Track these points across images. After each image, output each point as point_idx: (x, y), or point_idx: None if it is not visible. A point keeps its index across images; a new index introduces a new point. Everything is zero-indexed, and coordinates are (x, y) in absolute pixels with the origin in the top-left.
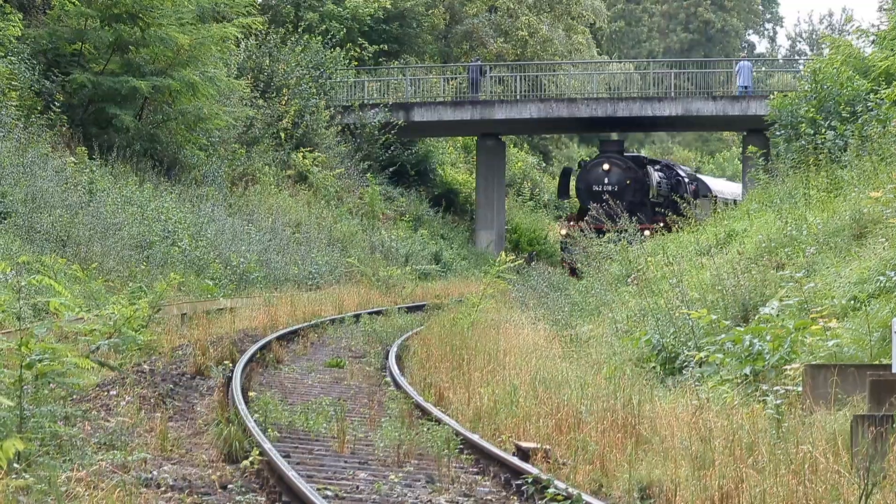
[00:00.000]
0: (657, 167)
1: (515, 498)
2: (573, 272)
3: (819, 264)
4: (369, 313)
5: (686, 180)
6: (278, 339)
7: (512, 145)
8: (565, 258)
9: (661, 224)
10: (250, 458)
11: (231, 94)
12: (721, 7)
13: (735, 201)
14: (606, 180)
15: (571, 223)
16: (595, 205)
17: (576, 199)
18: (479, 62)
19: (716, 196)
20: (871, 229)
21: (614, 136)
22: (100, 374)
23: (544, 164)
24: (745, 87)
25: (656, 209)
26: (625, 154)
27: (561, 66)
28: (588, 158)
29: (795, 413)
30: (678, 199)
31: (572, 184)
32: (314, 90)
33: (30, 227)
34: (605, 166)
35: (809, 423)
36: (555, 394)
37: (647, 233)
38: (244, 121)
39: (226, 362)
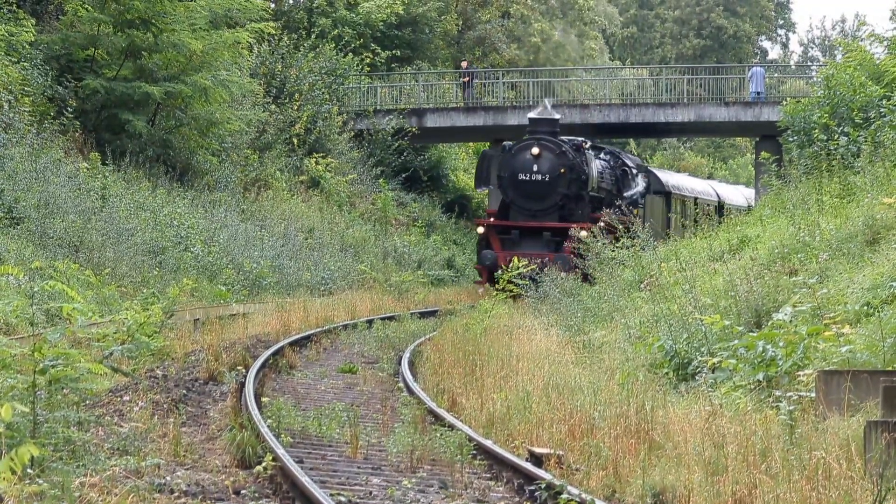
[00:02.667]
0: (600, 154)
1: (529, 503)
2: (491, 278)
3: (832, 270)
4: (382, 319)
5: (634, 171)
6: (291, 344)
7: None
8: (485, 263)
9: (602, 223)
10: (263, 464)
11: (244, 99)
12: (733, 13)
13: (721, 204)
14: (535, 167)
15: (491, 219)
16: (521, 198)
17: (496, 190)
18: (470, 68)
19: (670, 193)
20: (884, 235)
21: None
22: (113, 379)
23: None
24: (758, 93)
25: (595, 205)
26: (559, 136)
27: (573, 72)
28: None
29: (808, 419)
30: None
31: (493, 171)
32: (327, 96)
33: (43, 232)
34: (535, 150)
35: (823, 429)
36: (568, 399)
37: (582, 233)
38: (257, 125)
39: (239, 368)
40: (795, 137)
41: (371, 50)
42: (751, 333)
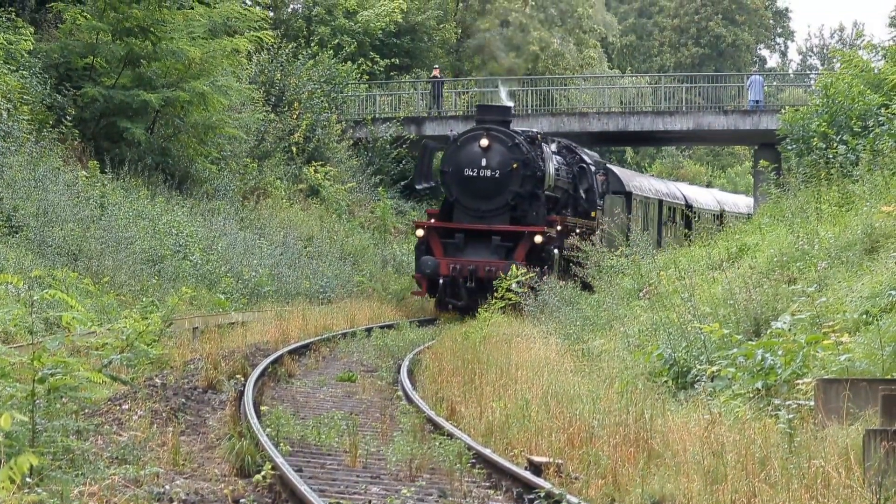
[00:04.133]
0: (555, 148)
1: None
2: (432, 288)
3: (831, 279)
4: (381, 327)
5: (592, 169)
6: (290, 353)
7: None
8: (424, 271)
9: (558, 227)
10: (263, 473)
11: (242, 107)
12: (732, 21)
13: (690, 206)
14: (484, 162)
15: (432, 221)
16: (467, 197)
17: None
18: (440, 78)
19: (631, 193)
20: (882, 244)
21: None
22: (112, 388)
23: None
24: (757, 102)
25: (551, 206)
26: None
27: (572, 81)
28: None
29: (808, 427)
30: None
31: (436, 166)
32: (326, 104)
33: (41, 240)
34: (483, 142)
35: (822, 437)
36: (567, 408)
37: (537, 238)
38: (255, 133)
39: (238, 376)
40: (794, 146)
41: (370, 58)
42: (750, 342)
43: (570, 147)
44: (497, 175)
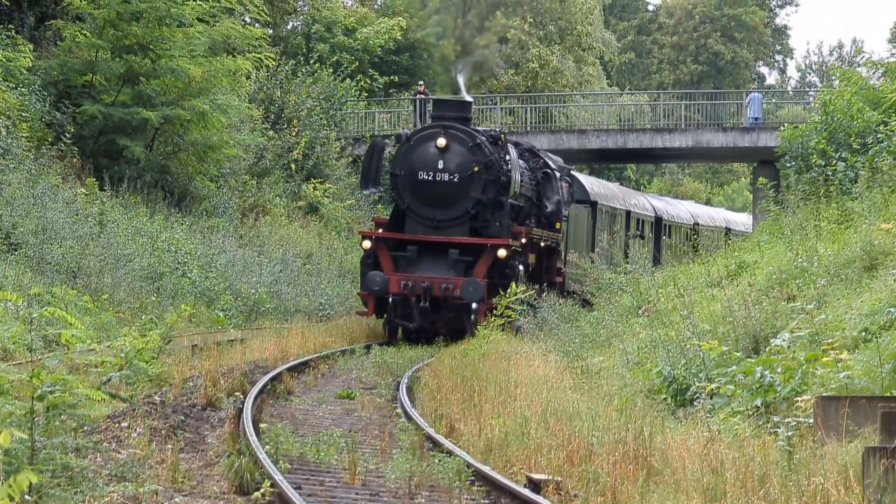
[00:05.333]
0: (518, 150)
1: None
2: (380, 307)
3: (830, 296)
4: (380, 344)
5: (557, 175)
6: (289, 370)
7: None
8: (371, 289)
9: (523, 239)
10: (262, 490)
11: (242, 125)
12: (731, 39)
13: (660, 219)
14: (441, 164)
15: (380, 231)
16: (420, 204)
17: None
18: (423, 95)
19: (596, 203)
20: (881, 261)
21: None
22: (111, 405)
23: None
24: (756, 119)
25: (513, 215)
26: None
27: (571, 98)
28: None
29: (807, 445)
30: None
31: (386, 168)
32: (325, 121)
33: (40, 258)
34: (441, 141)
35: (821, 455)
36: (566, 425)
37: (501, 251)
38: (255, 151)
39: (237, 394)
40: (793, 163)
41: (369, 75)
42: (749, 359)
43: (532, 150)
44: (456, 179)
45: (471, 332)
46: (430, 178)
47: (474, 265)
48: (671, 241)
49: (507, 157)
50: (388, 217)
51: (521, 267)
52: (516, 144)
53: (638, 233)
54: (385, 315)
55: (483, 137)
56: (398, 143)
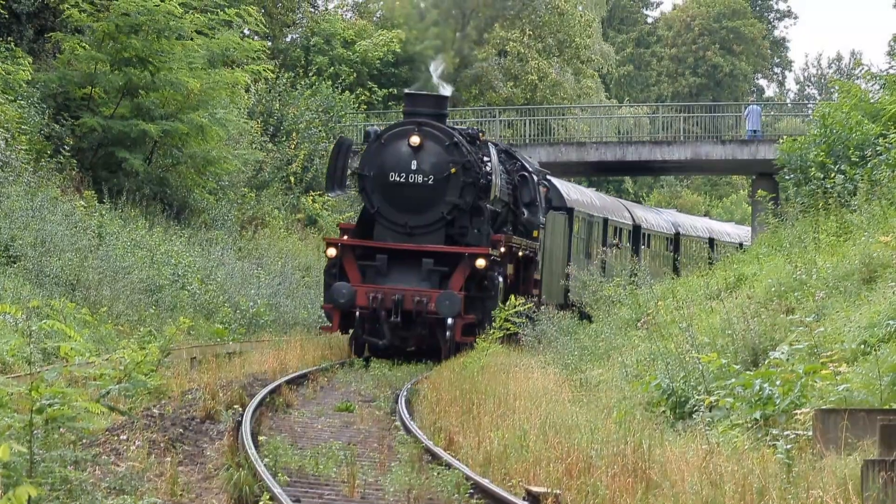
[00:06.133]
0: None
1: None
2: (346, 322)
3: (829, 309)
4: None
5: (535, 178)
6: (288, 383)
7: None
8: (337, 301)
9: (502, 248)
10: (260, 503)
11: (241, 138)
12: (730, 51)
13: (638, 227)
14: (415, 164)
15: (345, 237)
16: (391, 208)
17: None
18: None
19: (573, 210)
20: (880, 274)
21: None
22: (110, 418)
23: None
24: (755, 132)
25: (491, 221)
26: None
27: (570, 110)
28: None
29: (806, 458)
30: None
31: (353, 167)
32: (324, 134)
33: (39, 270)
34: (414, 140)
35: (820, 467)
36: (565, 438)
37: (480, 261)
38: (254, 164)
39: (235, 406)
40: (792, 176)
41: (368, 88)
42: (748, 372)
43: (508, 151)
44: (430, 181)
45: (446, 353)
46: (402, 179)
47: (450, 276)
48: (651, 251)
49: (487, 158)
50: (354, 222)
51: (500, 279)
52: (493, 144)
53: (615, 242)
54: (351, 331)
55: (460, 135)
56: (367, 140)
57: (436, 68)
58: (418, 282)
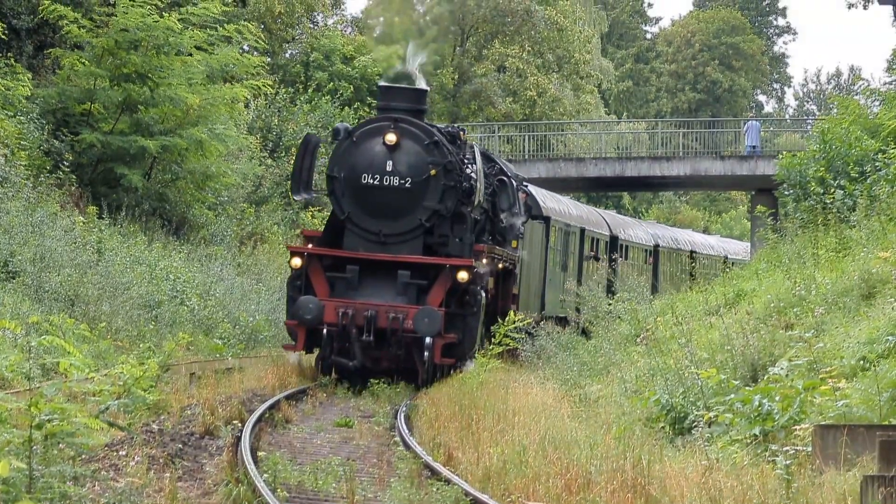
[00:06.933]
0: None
1: None
2: (312, 340)
3: (828, 324)
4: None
5: (514, 184)
6: (287, 398)
7: None
8: (303, 317)
9: (484, 259)
10: None
11: (240, 153)
12: (729, 67)
13: (615, 238)
14: (390, 165)
15: (310, 245)
16: (364, 214)
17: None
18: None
19: (549, 219)
20: (880, 289)
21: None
22: (109, 433)
23: None
24: (754, 147)
25: (476, 230)
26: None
27: (569, 126)
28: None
29: (805, 473)
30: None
31: (321, 168)
32: (323, 149)
33: (38, 286)
34: (390, 137)
35: (819, 483)
36: (564, 454)
37: (462, 274)
38: (253, 180)
39: (235, 422)
40: (791, 191)
41: (367, 103)
42: (747, 387)
43: (486, 154)
44: (408, 184)
45: (423, 376)
46: (376, 182)
47: (429, 290)
48: (628, 263)
49: (469, 159)
50: (321, 229)
51: (483, 293)
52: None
53: (592, 254)
54: (318, 350)
55: (439, 134)
56: (336, 138)
57: (413, 52)
58: (393, 296)
